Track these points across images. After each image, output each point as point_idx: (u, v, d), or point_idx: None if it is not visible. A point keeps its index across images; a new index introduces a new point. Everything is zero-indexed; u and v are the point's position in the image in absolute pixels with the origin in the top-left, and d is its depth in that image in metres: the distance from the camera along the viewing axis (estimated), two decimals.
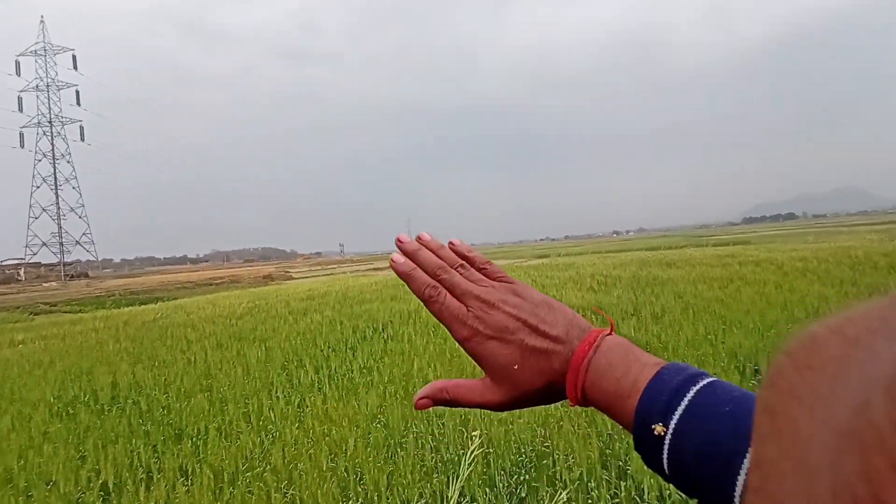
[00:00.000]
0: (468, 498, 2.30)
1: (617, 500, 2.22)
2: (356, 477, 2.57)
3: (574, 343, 0.32)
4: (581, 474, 2.36)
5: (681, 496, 2.07)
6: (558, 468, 2.44)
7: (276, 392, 4.13)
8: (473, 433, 2.41)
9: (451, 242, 0.40)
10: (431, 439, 2.90)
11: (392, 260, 0.37)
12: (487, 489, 2.33)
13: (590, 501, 2.21)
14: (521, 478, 2.41)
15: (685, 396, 0.27)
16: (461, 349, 0.35)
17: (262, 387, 4.27)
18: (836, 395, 0.09)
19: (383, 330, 6.45)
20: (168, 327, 8.66)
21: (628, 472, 2.37)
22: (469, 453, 2.00)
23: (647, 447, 0.27)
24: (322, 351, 5.57)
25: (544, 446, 2.68)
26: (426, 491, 2.38)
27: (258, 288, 20.35)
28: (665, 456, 0.26)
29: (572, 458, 2.51)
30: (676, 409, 0.26)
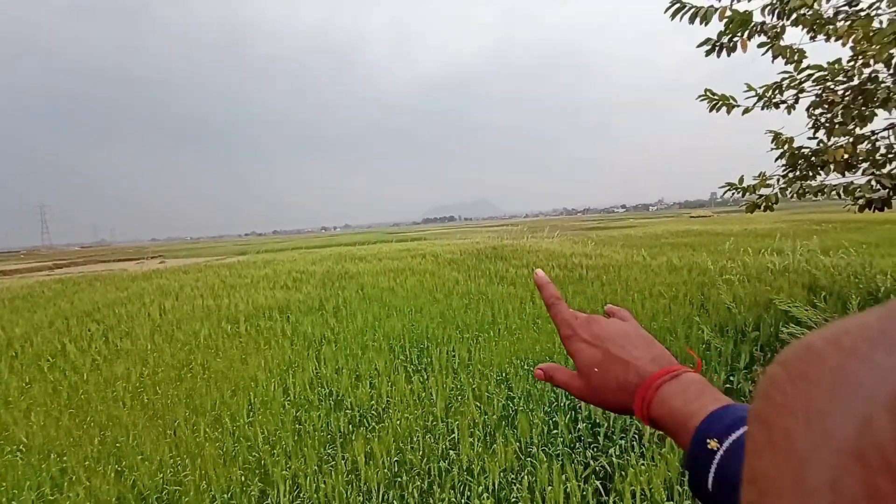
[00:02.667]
0: None
1: None
2: None
3: (655, 368, 0.37)
4: None
5: None
6: None
7: None
8: None
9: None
10: None
11: (536, 273, 0.50)
12: None
13: None
14: None
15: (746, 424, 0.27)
16: None
17: None
18: (834, 410, 0.09)
19: None
20: None
21: None
22: None
23: (698, 463, 0.29)
24: None
25: None
26: None
27: None
28: (713, 471, 0.28)
29: None
30: (734, 432, 0.28)
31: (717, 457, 0.28)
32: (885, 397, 0.08)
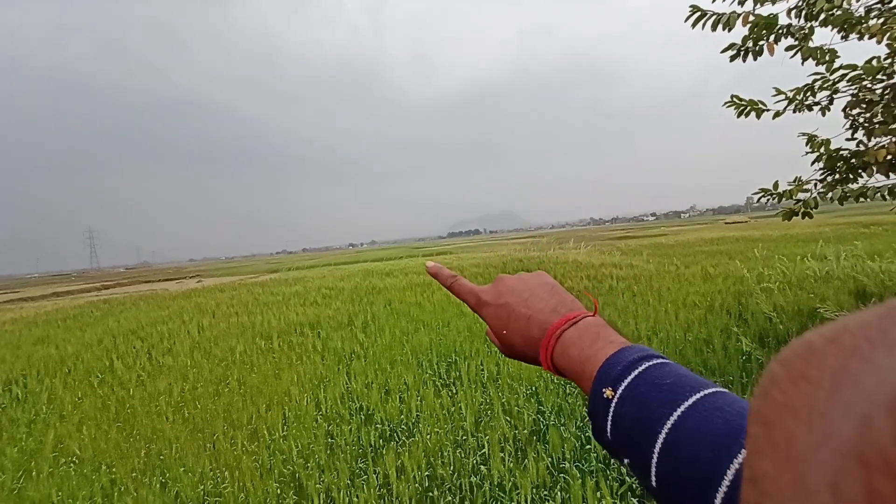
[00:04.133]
0: None
1: None
2: None
3: (556, 318, 0.37)
4: None
5: None
6: None
7: None
8: None
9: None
10: None
11: (427, 265, 0.50)
12: None
13: None
14: None
15: (637, 368, 0.29)
16: None
17: None
18: (835, 410, 0.09)
19: None
20: None
21: None
22: None
23: (598, 411, 0.30)
24: None
25: None
26: None
27: None
28: (609, 418, 0.28)
29: None
30: (626, 378, 0.29)
31: (612, 405, 0.28)
32: (885, 398, 0.08)
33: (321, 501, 2.39)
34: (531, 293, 0.40)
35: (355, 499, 2.35)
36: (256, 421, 3.48)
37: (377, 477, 2.55)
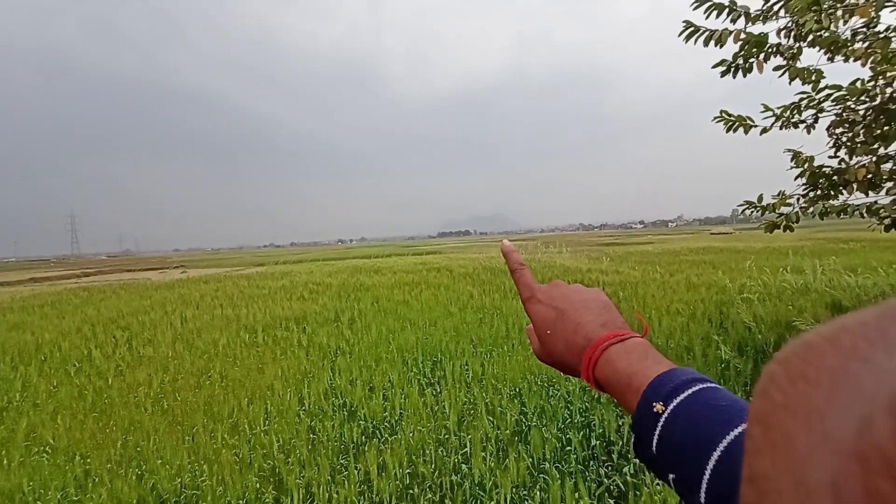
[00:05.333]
0: None
1: None
2: None
3: (604, 332, 0.37)
4: None
5: None
6: None
7: None
8: None
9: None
10: None
11: (503, 242, 0.51)
12: None
13: None
14: None
15: (691, 388, 0.29)
16: None
17: None
18: (834, 410, 0.09)
19: None
20: None
21: None
22: None
23: (645, 425, 0.30)
24: None
25: None
26: None
27: None
28: (657, 432, 0.29)
29: None
30: (679, 395, 0.29)
31: (662, 420, 0.29)
32: (884, 398, 0.08)
33: (301, 496, 2.38)
34: (584, 304, 0.41)
35: (335, 495, 2.35)
36: (238, 414, 3.45)
37: (358, 473, 2.55)
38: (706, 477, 0.25)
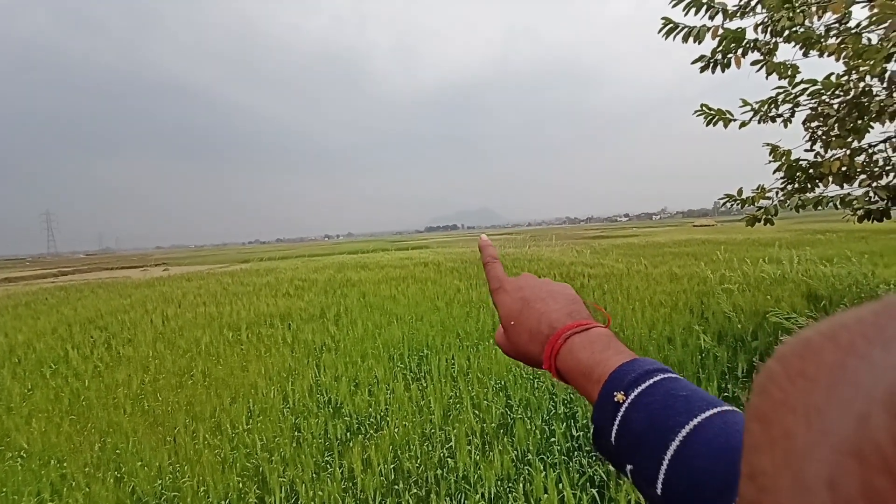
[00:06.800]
0: None
1: None
2: None
3: (568, 321, 0.37)
4: None
5: None
6: None
7: None
8: None
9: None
10: None
11: (481, 237, 0.51)
12: None
13: None
14: None
15: (652, 378, 0.29)
16: None
17: None
18: (832, 407, 0.09)
19: None
20: None
21: None
22: None
23: (604, 415, 0.29)
24: None
25: None
26: None
27: None
28: (616, 422, 0.28)
29: None
30: (640, 385, 0.29)
31: (622, 410, 0.28)
32: (882, 395, 0.08)
33: (284, 495, 2.36)
34: (550, 295, 0.41)
35: (319, 492, 2.33)
36: (220, 414, 3.40)
37: (342, 470, 2.54)
38: (663, 467, 0.24)
